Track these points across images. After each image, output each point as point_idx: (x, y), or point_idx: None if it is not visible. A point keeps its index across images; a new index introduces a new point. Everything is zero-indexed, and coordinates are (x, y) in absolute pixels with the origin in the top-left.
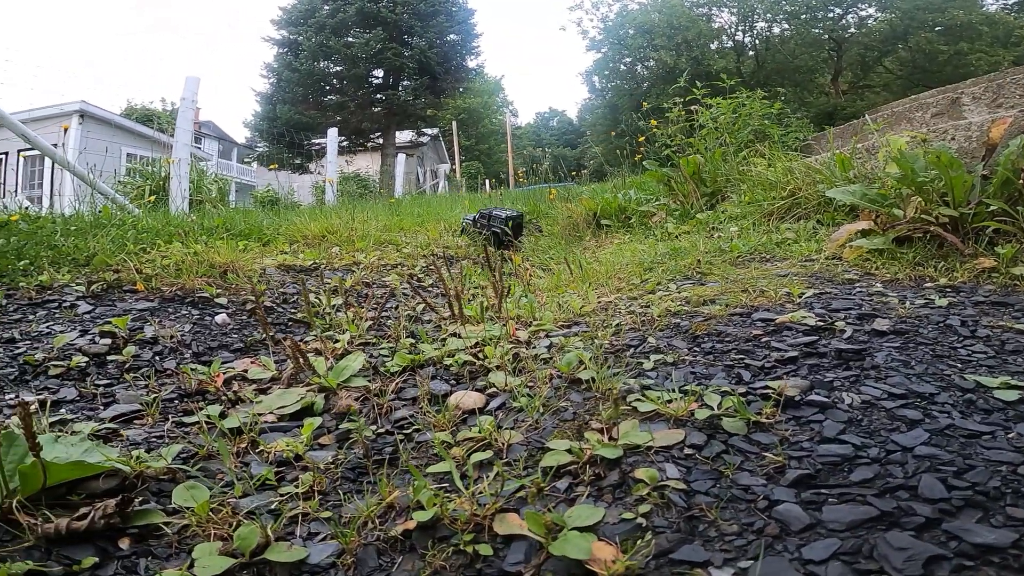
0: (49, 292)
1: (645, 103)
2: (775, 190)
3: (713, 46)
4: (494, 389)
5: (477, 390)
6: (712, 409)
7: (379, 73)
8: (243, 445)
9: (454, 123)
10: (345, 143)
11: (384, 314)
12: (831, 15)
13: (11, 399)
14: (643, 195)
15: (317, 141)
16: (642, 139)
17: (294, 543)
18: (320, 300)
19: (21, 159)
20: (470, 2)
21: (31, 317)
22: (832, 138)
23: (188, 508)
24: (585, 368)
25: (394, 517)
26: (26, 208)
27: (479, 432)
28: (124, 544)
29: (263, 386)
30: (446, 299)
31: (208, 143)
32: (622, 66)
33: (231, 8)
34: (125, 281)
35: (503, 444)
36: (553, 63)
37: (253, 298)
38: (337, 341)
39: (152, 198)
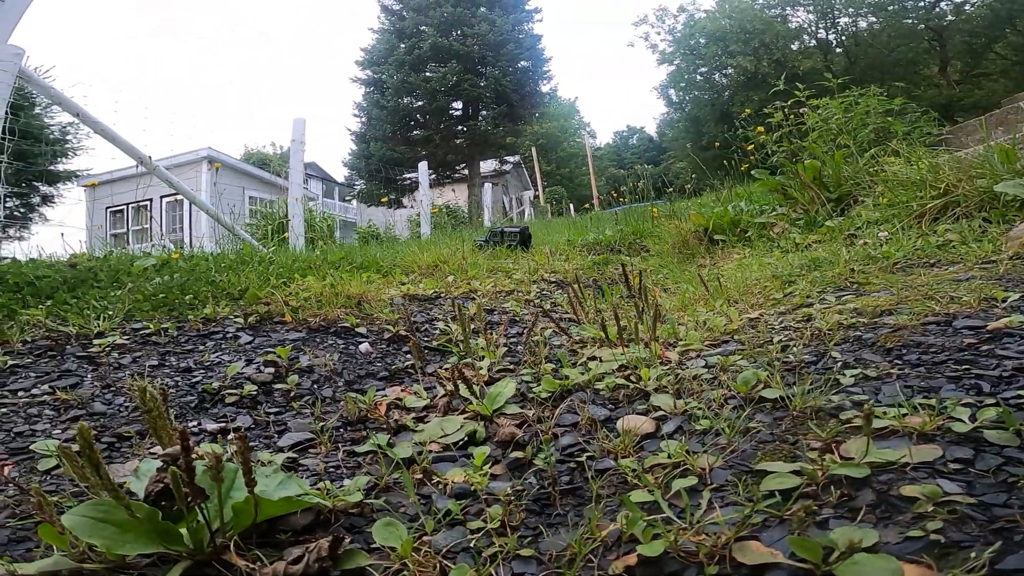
0: (213, 324)
1: (746, 109)
2: (922, 189)
3: (795, 47)
4: (661, 412)
5: (638, 413)
6: (965, 422)
7: (458, 105)
8: (418, 476)
9: (533, 149)
10: (433, 176)
11: (511, 340)
12: (922, 4)
13: (194, 426)
14: (755, 206)
15: (408, 176)
16: (750, 147)
17: None
18: (451, 328)
19: (164, 204)
20: (536, 28)
21: (201, 347)
22: (984, 128)
23: (391, 548)
24: (766, 387)
25: (603, 552)
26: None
27: (668, 457)
28: None
29: (419, 414)
30: (572, 323)
31: (313, 183)
32: (698, 76)
33: (232, 11)
34: (274, 313)
35: (703, 469)
36: (625, 80)
37: (391, 328)
38: (478, 368)
39: (284, 235)
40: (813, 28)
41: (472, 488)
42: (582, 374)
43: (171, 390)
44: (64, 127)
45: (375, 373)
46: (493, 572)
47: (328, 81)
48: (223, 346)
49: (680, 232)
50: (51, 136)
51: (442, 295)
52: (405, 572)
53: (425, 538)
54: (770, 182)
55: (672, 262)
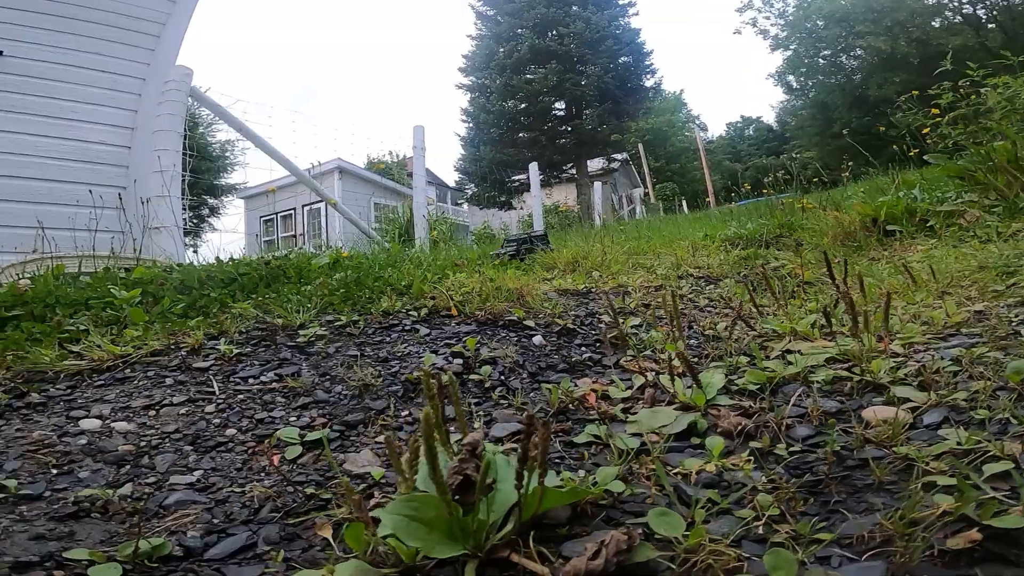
0: (391, 317)
1: (891, 92)
2: None
3: (936, 24)
4: (912, 403)
5: (879, 405)
6: None
7: (561, 105)
8: (651, 467)
9: (640, 145)
10: (542, 177)
11: (685, 333)
12: None
13: (406, 415)
14: (932, 194)
15: (517, 178)
16: (927, 131)
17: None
18: (617, 320)
19: (305, 212)
20: (633, 23)
21: (387, 339)
22: None
23: (673, 538)
24: None
25: (925, 531)
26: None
27: (957, 444)
28: None
29: (624, 405)
30: (733, 318)
31: (428, 188)
32: (820, 60)
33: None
34: (440, 307)
35: (1012, 454)
36: (733, 69)
37: (558, 321)
38: (657, 361)
39: (436, 234)
40: (956, 4)
41: (722, 477)
42: (786, 366)
43: (378, 380)
44: (223, 144)
45: (555, 365)
46: (805, 558)
47: (432, 89)
48: (406, 338)
49: (841, 223)
50: (213, 153)
51: (592, 290)
52: (696, 562)
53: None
54: (951, 167)
55: (837, 256)
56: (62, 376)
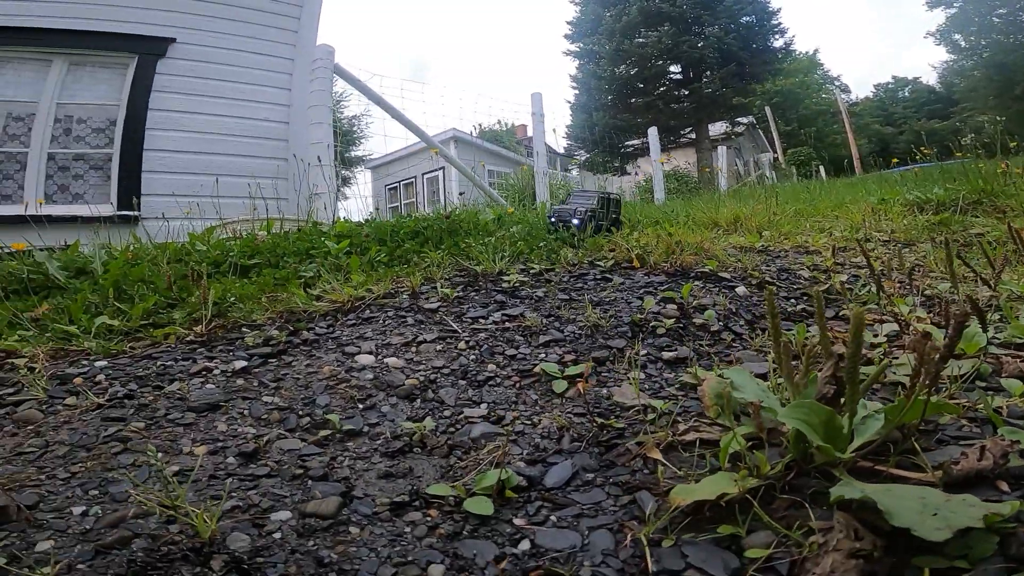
0: (576, 267)
1: None
2: None
3: None
4: None
5: None
6: None
7: (676, 68)
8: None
9: (767, 109)
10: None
11: (903, 291)
12: None
13: (645, 355)
14: None
15: (631, 143)
16: None
17: None
18: (819, 278)
19: (424, 180)
20: None
21: (582, 286)
22: None
23: None
24: None
25: None
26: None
27: None
28: None
29: (877, 353)
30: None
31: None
32: (994, 19)
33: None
34: (620, 259)
35: None
36: (878, 28)
37: (754, 274)
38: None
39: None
40: None
41: None
42: None
43: (603, 321)
44: (350, 119)
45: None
46: None
47: (536, 58)
48: (602, 285)
49: None
50: (343, 127)
51: (769, 247)
52: None
53: None
54: None
55: None
56: (316, 316)
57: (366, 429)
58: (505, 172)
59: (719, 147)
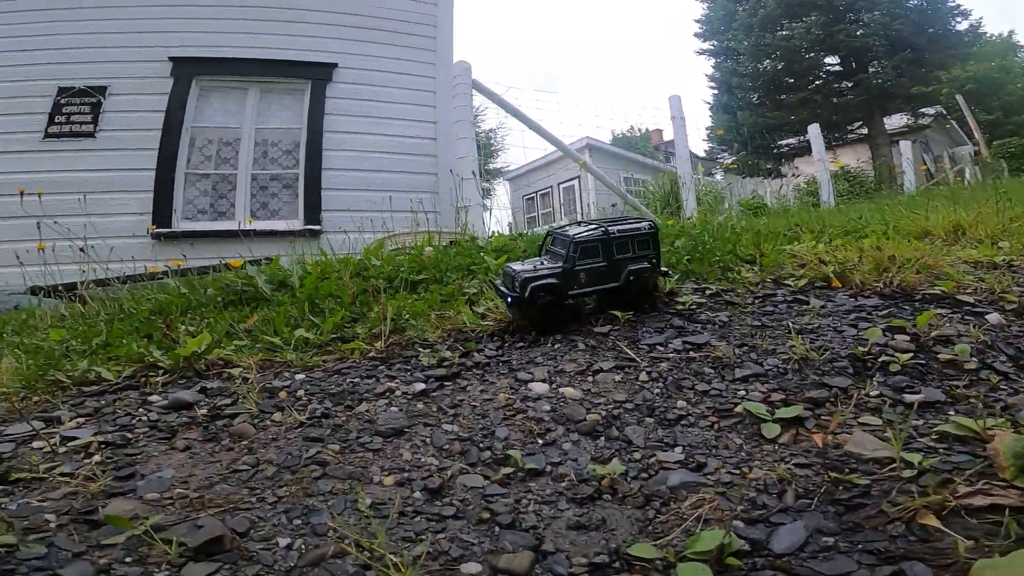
0: (758, 287)
1: None
2: None
3: None
4: None
5: None
6: None
7: (834, 59)
8: None
9: (959, 97)
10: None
11: None
12: None
13: (876, 395)
14: None
15: (785, 142)
16: None
17: None
18: None
19: (560, 190)
20: None
21: (776, 311)
22: None
23: None
24: None
25: None
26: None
27: None
28: None
29: None
30: None
31: (675, 160)
32: None
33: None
34: (814, 277)
35: None
36: None
37: (1008, 297)
38: None
39: (672, 208)
40: None
41: None
42: None
43: (814, 353)
44: (486, 133)
45: None
46: None
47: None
48: (796, 310)
49: None
50: (480, 141)
51: (1014, 262)
52: None
53: None
54: None
55: None
56: (483, 336)
57: (548, 468)
58: (642, 179)
59: (900, 142)
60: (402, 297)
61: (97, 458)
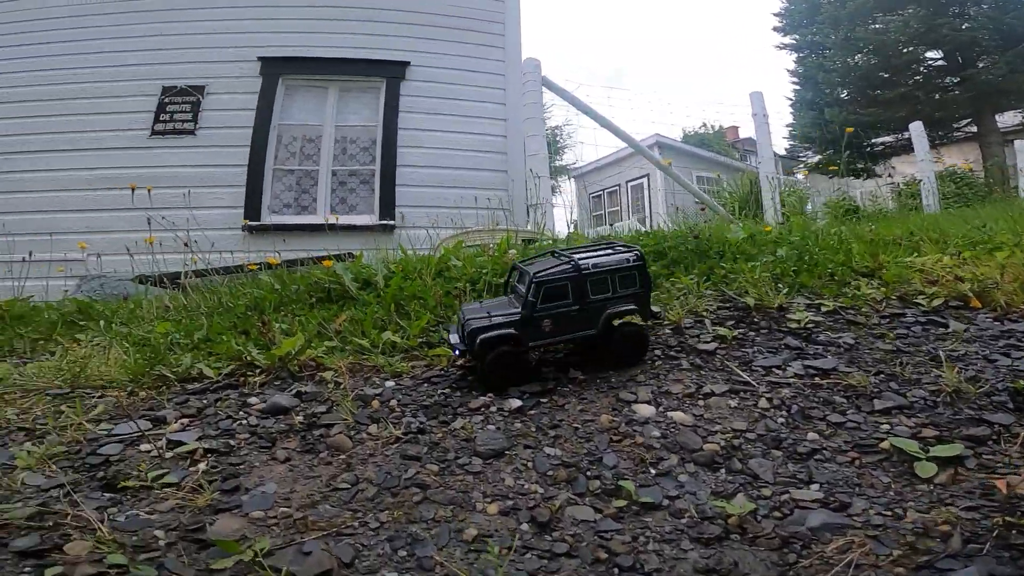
0: (880, 304)
1: None
2: None
3: None
4: None
5: None
6: None
7: (935, 54)
8: None
9: None
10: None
11: None
12: None
13: None
14: None
15: (881, 141)
16: None
17: None
18: None
19: (629, 188)
20: None
21: (909, 333)
22: None
23: None
24: None
25: None
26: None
27: None
28: None
29: None
30: None
31: (753, 158)
32: None
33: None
34: (948, 296)
35: None
36: None
37: None
38: None
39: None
40: None
41: None
42: None
43: (967, 384)
44: (552, 131)
45: None
46: None
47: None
48: (932, 333)
49: None
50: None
51: None
52: None
53: None
54: None
55: None
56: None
57: (665, 503)
58: (713, 177)
59: (1016, 141)
60: None
61: (202, 466)
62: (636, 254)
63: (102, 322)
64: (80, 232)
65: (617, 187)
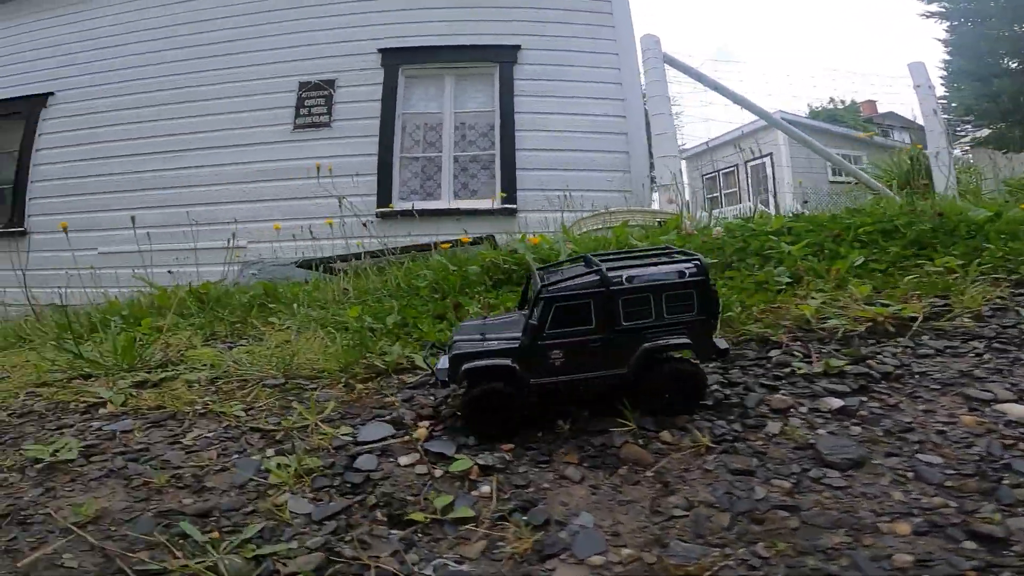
0: None
1: None
2: None
3: None
4: None
5: None
6: None
7: None
8: None
9: None
10: None
11: None
12: None
13: None
14: None
15: None
16: None
17: None
18: None
19: (748, 169)
20: None
21: None
22: None
23: None
24: None
25: None
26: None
27: None
28: None
29: None
30: None
31: (896, 134)
32: None
33: None
34: None
35: None
36: None
37: None
38: None
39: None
40: None
41: None
42: None
43: None
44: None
45: None
46: None
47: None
48: None
49: None
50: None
51: None
52: None
53: None
54: None
55: None
56: (841, 336)
57: None
58: (852, 156)
59: None
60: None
61: (484, 489)
62: (696, 264)
63: (295, 305)
64: (243, 221)
65: (734, 167)
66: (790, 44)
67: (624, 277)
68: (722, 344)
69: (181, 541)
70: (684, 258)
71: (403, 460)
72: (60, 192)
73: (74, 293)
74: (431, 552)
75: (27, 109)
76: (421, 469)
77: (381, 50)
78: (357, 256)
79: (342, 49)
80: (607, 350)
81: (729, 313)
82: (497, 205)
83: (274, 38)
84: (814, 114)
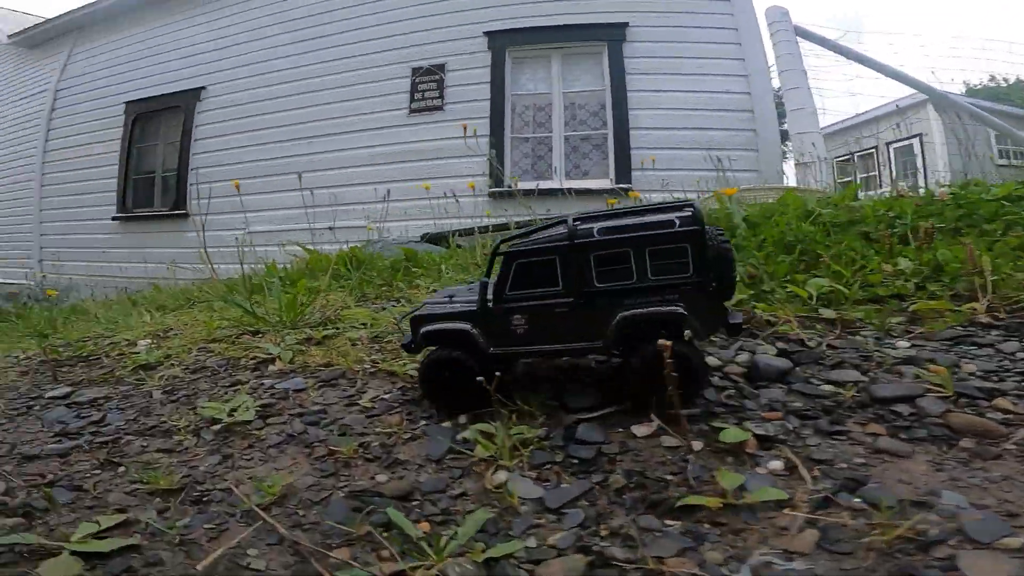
0: None
1: None
2: None
3: None
4: None
5: None
6: None
7: None
8: None
9: None
10: None
11: None
12: None
13: None
14: None
15: None
16: None
17: None
18: None
19: (891, 151)
20: None
21: None
22: None
23: None
24: None
25: None
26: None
27: None
28: None
29: None
30: None
31: None
32: None
33: None
34: None
35: None
36: None
37: None
38: None
39: None
40: None
41: None
42: None
43: None
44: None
45: None
46: None
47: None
48: None
49: None
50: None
51: None
52: None
53: None
54: None
55: None
56: None
57: None
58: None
59: None
60: (956, 247)
61: (775, 464)
62: (689, 214)
63: (442, 267)
64: (366, 202)
65: (873, 149)
66: (924, 13)
67: (596, 229)
68: (736, 318)
69: (385, 533)
70: (673, 208)
71: (639, 431)
72: (212, 179)
73: (228, 269)
74: (737, 548)
75: (185, 102)
76: (670, 441)
77: (487, 33)
78: (471, 232)
79: (450, 34)
80: (578, 317)
81: (995, 277)
82: (611, 185)
83: (386, 26)
84: (971, 92)
